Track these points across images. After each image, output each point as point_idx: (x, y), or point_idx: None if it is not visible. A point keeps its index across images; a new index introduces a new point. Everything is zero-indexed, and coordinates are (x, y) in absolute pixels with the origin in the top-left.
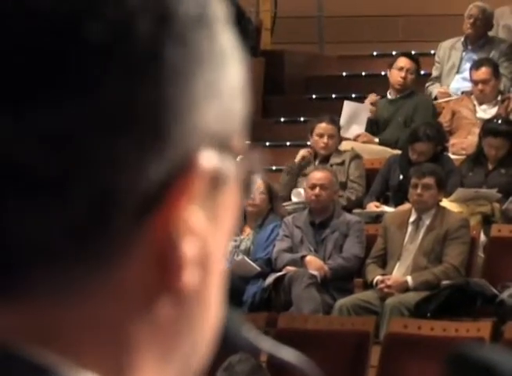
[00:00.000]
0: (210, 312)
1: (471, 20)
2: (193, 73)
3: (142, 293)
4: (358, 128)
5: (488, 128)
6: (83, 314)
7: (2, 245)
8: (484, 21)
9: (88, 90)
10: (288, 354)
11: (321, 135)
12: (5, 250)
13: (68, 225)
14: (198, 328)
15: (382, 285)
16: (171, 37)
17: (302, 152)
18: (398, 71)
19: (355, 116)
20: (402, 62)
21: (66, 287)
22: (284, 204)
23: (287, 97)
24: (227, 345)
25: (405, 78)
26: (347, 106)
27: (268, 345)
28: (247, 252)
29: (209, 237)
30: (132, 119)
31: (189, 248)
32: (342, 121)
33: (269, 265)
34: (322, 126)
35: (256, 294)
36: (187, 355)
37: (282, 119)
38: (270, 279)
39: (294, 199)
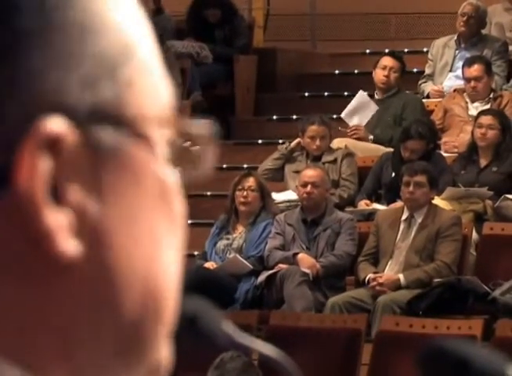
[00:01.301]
0: (121, 291)
1: (464, 18)
2: (46, 40)
3: (15, 260)
4: (358, 121)
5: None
6: None
7: None
8: (478, 19)
9: None
10: (266, 349)
11: (312, 138)
12: None
13: None
14: (109, 307)
15: (374, 283)
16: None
17: (297, 140)
18: (381, 70)
19: (362, 108)
20: (386, 61)
21: None
22: (276, 201)
23: (279, 95)
24: (207, 340)
25: (388, 77)
26: (360, 97)
27: (247, 340)
28: (239, 250)
29: (91, 210)
30: None
31: (55, 217)
32: (348, 107)
33: (261, 263)
34: (314, 128)
35: (248, 291)
36: (110, 341)
37: (274, 117)
38: (262, 277)
39: (285, 197)
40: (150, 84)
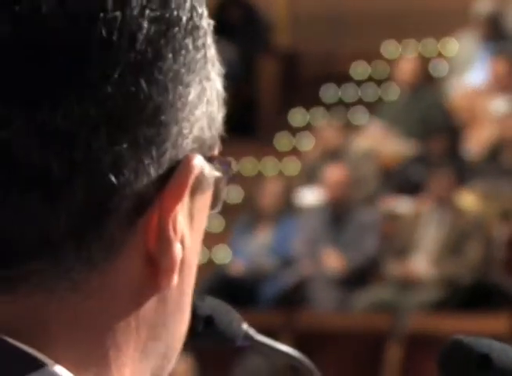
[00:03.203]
0: (185, 312)
1: (485, 15)
2: (190, 80)
3: (131, 292)
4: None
5: None
6: (72, 309)
7: (3, 240)
8: (498, 14)
9: (88, 88)
10: (287, 349)
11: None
12: (6, 244)
13: (66, 224)
14: (173, 327)
15: (402, 275)
16: (174, 43)
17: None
18: (404, 70)
19: None
20: (408, 60)
21: (59, 281)
22: (301, 200)
23: (303, 95)
24: (226, 341)
25: (412, 75)
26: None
27: (266, 341)
28: (266, 249)
29: (187, 240)
30: (134, 120)
31: (178, 252)
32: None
33: (288, 262)
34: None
35: (274, 291)
36: (162, 352)
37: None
38: (289, 276)
39: (311, 197)
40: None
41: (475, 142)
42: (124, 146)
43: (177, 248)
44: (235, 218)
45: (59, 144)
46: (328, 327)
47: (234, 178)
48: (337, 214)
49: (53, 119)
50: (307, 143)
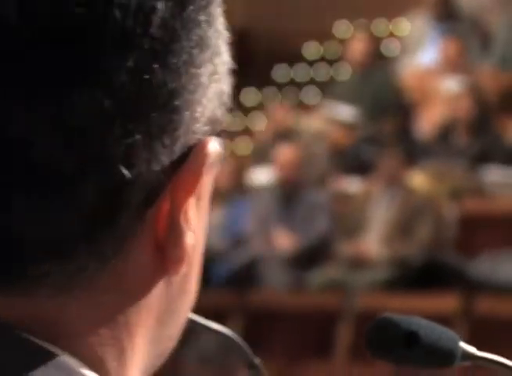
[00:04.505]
0: (190, 298)
1: None
2: (202, 60)
3: (143, 282)
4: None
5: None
6: (86, 304)
7: (15, 240)
8: None
9: (102, 77)
10: (216, 326)
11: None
12: (18, 244)
13: (78, 221)
14: (179, 312)
15: (353, 254)
16: (188, 22)
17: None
18: (356, 50)
19: None
20: (359, 40)
21: (73, 280)
22: (252, 180)
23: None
24: None
25: (364, 55)
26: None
27: (196, 317)
28: (217, 228)
29: (196, 226)
30: (148, 109)
31: (190, 240)
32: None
33: (239, 242)
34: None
35: (225, 271)
36: (168, 337)
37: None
38: (240, 256)
39: (263, 176)
40: None
41: (426, 122)
42: (137, 137)
43: (188, 237)
44: None
45: (71, 140)
46: (279, 306)
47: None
48: (288, 194)
49: (65, 113)
50: (259, 123)
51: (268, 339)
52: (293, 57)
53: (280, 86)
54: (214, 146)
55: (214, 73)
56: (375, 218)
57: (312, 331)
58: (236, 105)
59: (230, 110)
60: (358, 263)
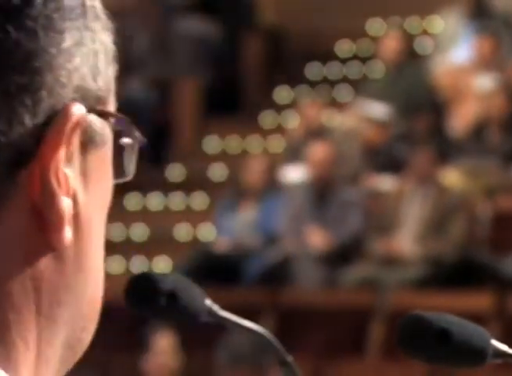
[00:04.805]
0: (89, 274)
1: None
2: (64, 27)
3: (22, 247)
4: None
5: None
6: None
7: None
8: None
9: None
10: (249, 324)
11: None
12: None
13: None
14: (77, 290)
15: (385, 252)
16: None
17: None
18: (389, 47)
19: None
20: (392, 38)
21: None
22: (285, 178)
23: (287, 74)
24: (187, 314)
25: (396, 53)
26: None
27: (227, 314)
28: (250, 226)
29: (80, 196)
30: (3, 68)
31: (66, 205)
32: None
33: (272, 240)
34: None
35: (258, 269)
36: (72, 319)
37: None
38: (273, 254)
39: (295, 174)
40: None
41: (459, 120)
42: None
43: (63, 202)
44: (219, 195)
45: None
46: (311, 304)
47: (142, 147)
48: (321, 191)
49: None
50: (291, 121)
51: (300, 337)
52: (326, 55)
53: (313, 84)
54: (79, 109)
55: (81, 44)
56: (408, 215)
57: (345, 329)
58: (269, 103)
59: (263, 108)
60: (391, 261)
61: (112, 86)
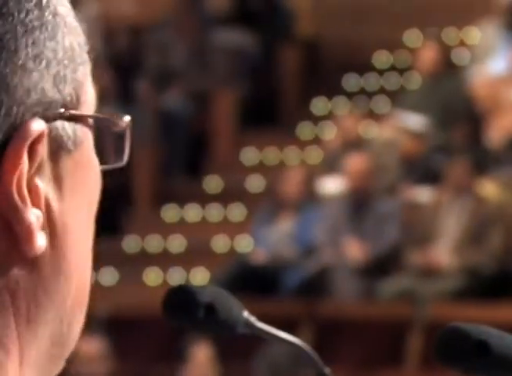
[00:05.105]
0: (73, 275)
1: (508, 3)
2: (18, 45)
3: None
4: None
5: None
6: None
7: None
8: None
9: None
10: (284, 334)
11: None
12: None
13: None
14: (57, 291)
15: (423, 264)
16: None
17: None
18: (426, 58)
19: None
20: (429, 49)
21: None
22: (323, 189)
23: (325, 84)
24: (225, 326)
25: (434, 64)
26: None
27: (264, 326)
28: (288, 238)
29: (54, 203)
30: None
31: (35, 215)
32: None
33: (310, 251)
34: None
35: (296, 280)
36: (53, 319)
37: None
38: (311, 265)
39: (333, 186)
40: (90, 86)
41: (497, 131)
42: None
43: (29, 215)
44: (256, 207)
45: None
46: (349, 316)
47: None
48: (359, 203)
49: None
50: (329, 132)
51: (338, 349)
52: (364, 66)
53: (350, 95)
54: (38, 125)
55: (40, 57)
56: (445, 227)
57: (383, 341)
58: (307, 114)
59: (300, 119)
60: (429, 273)
61: (85, 86)
